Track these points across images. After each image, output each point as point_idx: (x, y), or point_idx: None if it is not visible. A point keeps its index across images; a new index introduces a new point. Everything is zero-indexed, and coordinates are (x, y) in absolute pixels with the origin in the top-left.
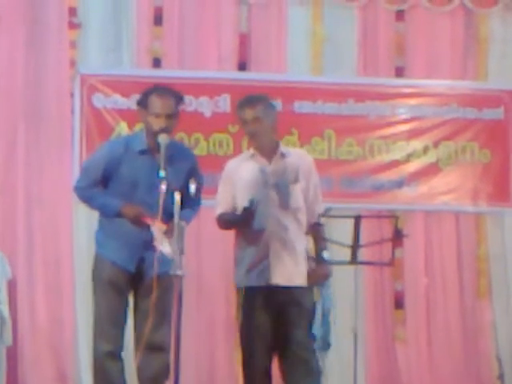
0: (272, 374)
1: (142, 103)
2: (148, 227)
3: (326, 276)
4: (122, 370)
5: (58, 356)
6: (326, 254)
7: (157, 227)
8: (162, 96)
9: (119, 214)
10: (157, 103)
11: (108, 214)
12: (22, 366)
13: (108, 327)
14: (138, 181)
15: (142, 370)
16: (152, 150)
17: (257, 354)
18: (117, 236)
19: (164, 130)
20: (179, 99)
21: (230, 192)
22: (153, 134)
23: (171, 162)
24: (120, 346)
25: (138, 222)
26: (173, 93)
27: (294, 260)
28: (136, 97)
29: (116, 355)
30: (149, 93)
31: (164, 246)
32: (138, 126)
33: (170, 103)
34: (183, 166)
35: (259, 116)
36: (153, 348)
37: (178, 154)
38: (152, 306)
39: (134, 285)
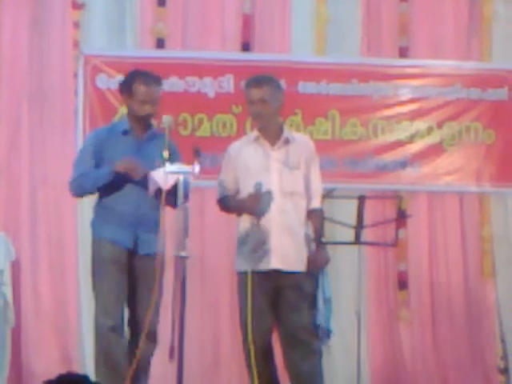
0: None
1: (126, 90)
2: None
3: (326, 261)
4: (124, 347)
5: (62, 337)
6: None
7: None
8: (146, 83)
9: (115, 175)
10: (142, 90)
11: (104, 183)
12: (27, 347)
13: (111, 304)
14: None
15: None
16: (135, 130)
17: (254, 335)
18: (112, 219)
19: (150, 116)
20: (160, 83)
21: (233, 175)
22: (137, 118)
23: (148, 142)
24: (122, 323)
25: (136, 171)
26: (155, 78)
27: (295, 245)
28: None
29: (119, 331)
30: (131, 80)
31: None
32: None
33: (154, 89)
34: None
35: (265, 97)
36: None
37: (155, 133)
38: (155, 291)
39: (129, 262)
